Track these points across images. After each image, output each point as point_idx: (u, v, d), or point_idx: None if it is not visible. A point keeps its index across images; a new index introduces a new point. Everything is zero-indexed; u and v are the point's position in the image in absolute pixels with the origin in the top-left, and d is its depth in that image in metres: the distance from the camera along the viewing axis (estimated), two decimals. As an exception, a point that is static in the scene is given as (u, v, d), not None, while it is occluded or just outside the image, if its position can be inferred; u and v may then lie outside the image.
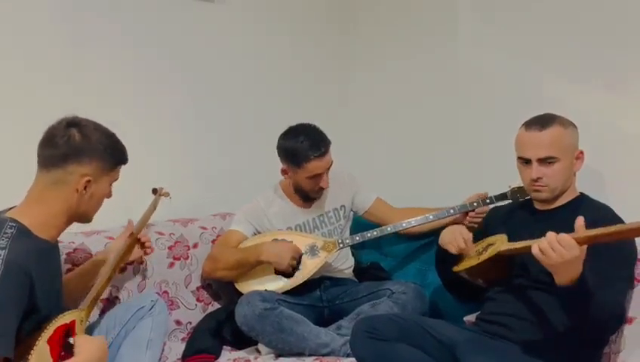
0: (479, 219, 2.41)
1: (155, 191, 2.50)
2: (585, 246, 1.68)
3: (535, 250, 1.69)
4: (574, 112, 2.09)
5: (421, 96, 3.02)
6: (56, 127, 1.80)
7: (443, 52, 2.91)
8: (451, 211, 2.45)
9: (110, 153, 1.85)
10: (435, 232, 2.48)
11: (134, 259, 2.33)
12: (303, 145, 2.46)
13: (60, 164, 1.78)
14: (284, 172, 2.58)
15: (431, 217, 2.47)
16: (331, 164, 2.53)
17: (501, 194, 2.36)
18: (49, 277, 1.80)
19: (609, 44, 2.35)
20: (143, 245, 2.29)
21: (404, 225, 2.52)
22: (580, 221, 1.67)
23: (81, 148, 1.79)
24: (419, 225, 2.51)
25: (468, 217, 2.47)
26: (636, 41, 2.29)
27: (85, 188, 1.80)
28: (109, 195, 1.94)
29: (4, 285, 1.61)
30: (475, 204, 2.41)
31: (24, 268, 1.66)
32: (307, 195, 2.60)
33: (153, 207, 2.43)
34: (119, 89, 2.59)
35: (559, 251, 1.64)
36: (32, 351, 1.67)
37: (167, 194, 2.51)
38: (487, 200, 2.39)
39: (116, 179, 1.93)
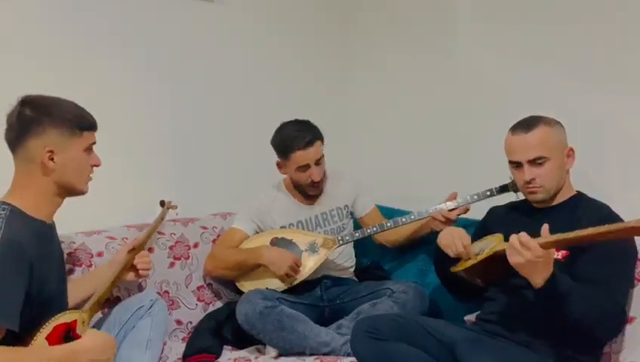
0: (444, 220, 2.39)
1: (162, 203, 2.50)
2: (551, 250, 1.74)
3: (507, 250, 1.77)
4: (574, 112, 2.09)
5: (421, 96, 3.02)
6: (11, 110, 1.80)
7: (443, 52, 2.90)
8: (451, 205, 2.43)
9: (67, 118, 1.81)
10: (431, 236, 2.48)
11: (130, 280, 2.23)
12: (289, 137, 2.52)
13: (20, 144, 1.78)
14: (278, 165, 2.62)
15: (431, 210, 2.46)
16: (321, 157, 2.54)
17: (502, 186, 2.34)
18: (47, 256, 1.81)
19: (609, 44, 2.35)
20: (135, 268, 2.20)
21: (403, 220, 2.51)
22: (545, 228, 1.74)
23: (33, 121, 1.77)
24: (420, 219, 2.49)
25: (432, 225, 2.43)
26: (636, 41, 2.29)
27: (52, 159, 1.78)
28: (94, 163, 1.90)
29: (5, 261, 1.62)
30: (475, 197, 2.40)
31: (22, 245, 1.67)
32: (304, 191, 2.61)
33: (160, 218, 2.44)
34: (119, 89, 2.59)
35: (521, 252, 1.71)
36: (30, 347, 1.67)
37: (175, 207, 2.52)
38: (488, 193, 2.37)
39: (91, 145, 1.88)
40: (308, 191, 2.61)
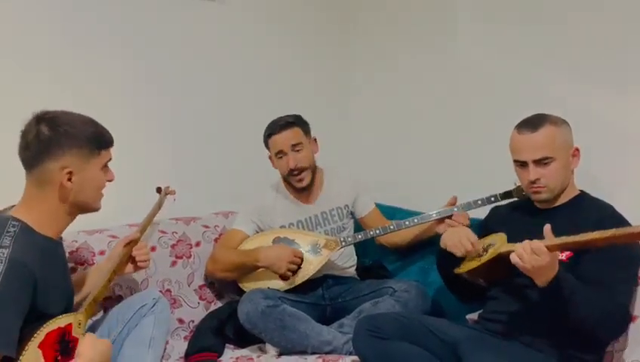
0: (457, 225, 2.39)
1: (159, 190, 2.49)
2: (556, 252, 1.75)
3: (513, 258, 1.76)
4: (575, 111, 2.09)
5: (421, 96, 3.02)
6: (27, 126, 1.77)
7: (443, 52, 2.91)
8: (455, 209, 2.44)
9: (86, 139, 1.79)
10: (433, 236, 2.49)
11: (128, 273, 2.22)
12: (268, 125, 2.58)
13: (37, 164, 1.75)
14: (270, 159, 2.64)
15: (434, 215, 2.46)
16: (299, 144, 2.54)
17: (506, 192, 2.34)
18: (54, 274, 1.79)
19: (610, 43, 2.35)
20: (134, 260, 2.18)
21: (407, 223, 2.51)
22: (547, 229, 1.75)
23: (52, 142, 1.74)
24: (422, 223, 2.50)
25: (438, 229, 2.44)
26: (637, 39, 2.29)
27: (70, 179, 1.76)
28: (110, 179, 1.90)
29: (7, 282, 1.60)
30: (479, 202, 2.40)
31: (28, 266, 1.65)
32: (292, 184, 2.60)
33: (158, 205, 2.43)
34: (120, 88, 2.59)
35: (533, 258, 1.72)
36: (20, 357, 1.64)
37: (172, 193, 2.51)
38: (492, 199, 2.37)
39: (107, 162, 1.87)
40: (293, 183, 2.59)
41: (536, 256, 1.71)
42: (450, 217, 2.43)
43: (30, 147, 1.76)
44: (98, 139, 1.83)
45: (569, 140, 2.04)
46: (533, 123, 2.01)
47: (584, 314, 1.79)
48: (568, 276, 1.79)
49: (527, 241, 1.75)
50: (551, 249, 1.72)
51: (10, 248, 1.65)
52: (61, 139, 1.75)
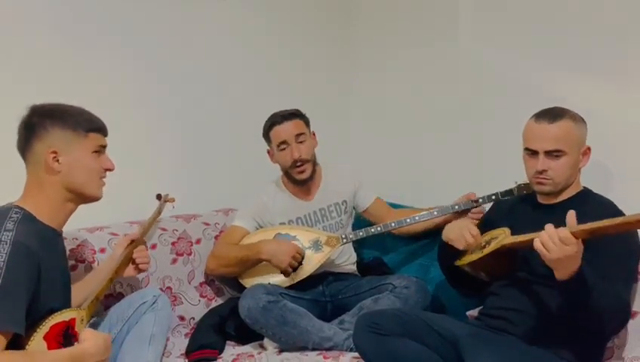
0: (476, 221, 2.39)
1: (159, 196, 2.49)
2: (580, 240, 1.70)
3: (537, 245, 1.70)
4: (576, 108, 2.08)
5: (423, 94, 3.01)
6: (21, 119, 1.81)
7: (444, 49, 2.90)
8: (456, 207, 2.44)
9: (71, 120, 1.80)
10: (434, 232, 2.49)
11: (128, 276, 2.22)
12: (269, 117, 2.58)
13: (26, 148, 1.79)
14: (268, 154, 2.64)
15: (435, 212, 2.45)
16: (302, 135, 2.55)
17: (507, 191, 2.34)
18: (54, 264, 1.80)
19: (612, 40, 2.34)
20: (134, 262, 2.19)
21: (408, 220, 2.51)
22: (571, 216, 1.69)
23: (37, 123, 1.78)
24: (423, 220, 2.50)
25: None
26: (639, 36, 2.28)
27: (56, 160, 1.77)
28: (107, 167, 1.89)
29: (13, 264, 1.61)
30: (480, 200, 2.40)
31: (32, 249, 1.66)
32: (293, 179, 2.59)
33: (158, 212, 2.43)
34: (120, 86, 2.59)
35: (559, 245, 1.66)
36: (27, 347, 1.65)
37: (172, 200, 2.51)
38: (493, 197, 2.37)
39: (100, 148, 1.86)
40: (295, 176, 2.57)
41: (564, 245, 1.65)
42: (453, 213, 2.43)
43: (20, 133, 1.80)
44: (86, 122, 1.84)
45: (583, 138, 2.03)
46: (552, 114, 2.00)
47: (597, 309, 1.76)
48: (589, 269, 1.73)
49: (551, 228, 1.68)
50: (577, 236, 1.66)
51: (14, 231, 1.67)
52: (46, 121, 1.78)
